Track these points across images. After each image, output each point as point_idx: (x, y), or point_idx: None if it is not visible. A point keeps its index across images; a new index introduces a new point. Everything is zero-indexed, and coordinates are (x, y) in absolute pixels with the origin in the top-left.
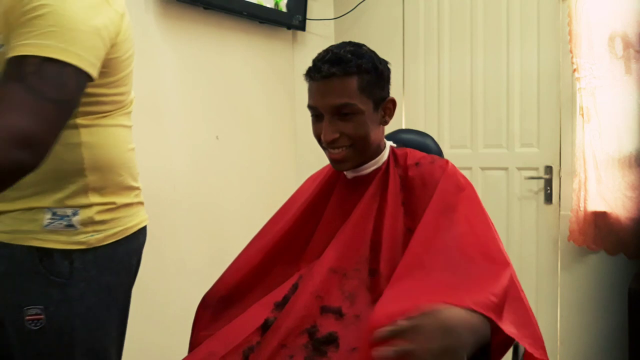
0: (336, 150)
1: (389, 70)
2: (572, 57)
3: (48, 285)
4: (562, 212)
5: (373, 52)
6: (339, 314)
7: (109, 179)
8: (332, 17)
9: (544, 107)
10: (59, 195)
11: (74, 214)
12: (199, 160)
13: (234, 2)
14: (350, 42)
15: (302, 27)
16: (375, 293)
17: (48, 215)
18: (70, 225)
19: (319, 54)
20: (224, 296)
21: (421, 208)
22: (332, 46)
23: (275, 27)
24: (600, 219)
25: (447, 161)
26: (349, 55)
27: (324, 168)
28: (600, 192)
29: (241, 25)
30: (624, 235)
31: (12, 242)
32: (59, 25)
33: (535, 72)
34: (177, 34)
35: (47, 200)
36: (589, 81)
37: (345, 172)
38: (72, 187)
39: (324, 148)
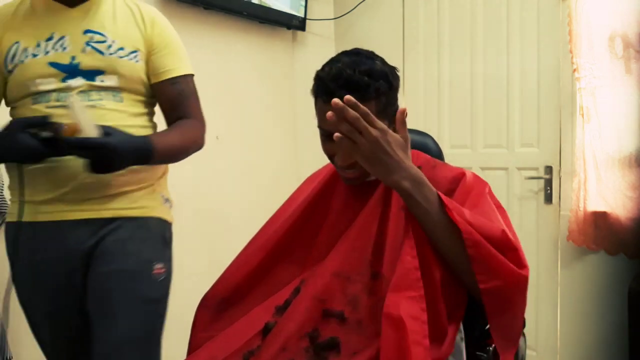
0: (351, 171)
1: (399, 78)
2: (572, 57)
3: (165, 247)
4: (562, 212)
5: (383, 62)
6: (341, 318)
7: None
8: (332, 17)
9: (544, 107)
10: (162, 177)
11: (169, 198)
12: (199, 160)
13: (234, 2)
14: (359, 55)
15: (302, 27)
16: (375, 296)
17: (161, 196)
18: (170, 206)
19: (329, 71)
20: (224, 297)
21: None
22: (341, 63)
23: (275, 27)
24: (600, 219)
25: (455, 169)
26: (366, 79)
27: (322, 168)
28: (600, 192)
29: (241, 25)
30: (624, 235)
31: (143, 215)
32: (184, 52)
33: (535, 72)
34: (177, 34)
35: (159, 182)
36: (589, 81)
37: None
38: (165, 174)
39: (335, 165)
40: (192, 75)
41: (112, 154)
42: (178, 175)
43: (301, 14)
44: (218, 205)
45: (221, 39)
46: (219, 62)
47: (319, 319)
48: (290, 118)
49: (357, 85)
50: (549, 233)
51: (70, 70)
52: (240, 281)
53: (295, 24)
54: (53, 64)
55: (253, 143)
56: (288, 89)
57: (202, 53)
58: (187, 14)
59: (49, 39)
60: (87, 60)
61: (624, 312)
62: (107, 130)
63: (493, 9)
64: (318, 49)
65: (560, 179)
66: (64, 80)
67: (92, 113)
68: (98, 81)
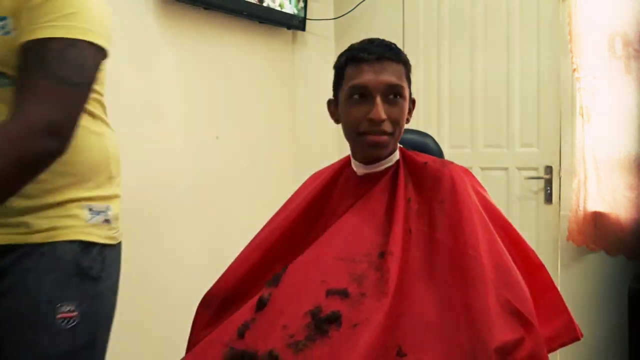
0: (385, 126)
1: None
2: (572, 57)
3: (84, 281)
4: (562, 212)
5: None
6: (344, 294)
7: (118, 170)
8: (332, 17)
9: (544, 107)
10: (90, 184)
11: (108, 209)
12: (199, 160)
13: (234, 2)
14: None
15: (302, 27)
16: (382, 271)
17: (86, 210)
18: (107, 221)
19: (362, 41)
20: (224, 296)
21: (427, 209)
22: (372, 38)
23: (275, 27)
24: (600, 219)
25: (461, 168)
26: (394, 46)
27: (326, 167)
28: (600, 192)
29: (241, 25)
30: (624, 236)
31: (48, 241)
32: (77, 7)
33: (535, 72)
34: (177, 34)
35: (80, 192)
36: (589, 81)
37: (356, 169)
38: (101, 177)
39: (360, 134)
40: (66, 42)
41: None
42: (177, 175)
43: (301, 14)
44: (217, 205)
45: (221, 39)
46: (219, 62)
47: (323, 298)
48: (290, 118)
49: (389, 46)
50: (549, 233)
51: None
52: (240, 280)
53: (295, 24)
54: None
55: (253, 143)
56: (288, 88)
57: (202, 53)
58: (187, 14)
59: None
60: None
61: (624, 312)
62: None
63: (493, 9)
64: (318, 49)
65: (560, 179)
66: None
67: None
68: None
